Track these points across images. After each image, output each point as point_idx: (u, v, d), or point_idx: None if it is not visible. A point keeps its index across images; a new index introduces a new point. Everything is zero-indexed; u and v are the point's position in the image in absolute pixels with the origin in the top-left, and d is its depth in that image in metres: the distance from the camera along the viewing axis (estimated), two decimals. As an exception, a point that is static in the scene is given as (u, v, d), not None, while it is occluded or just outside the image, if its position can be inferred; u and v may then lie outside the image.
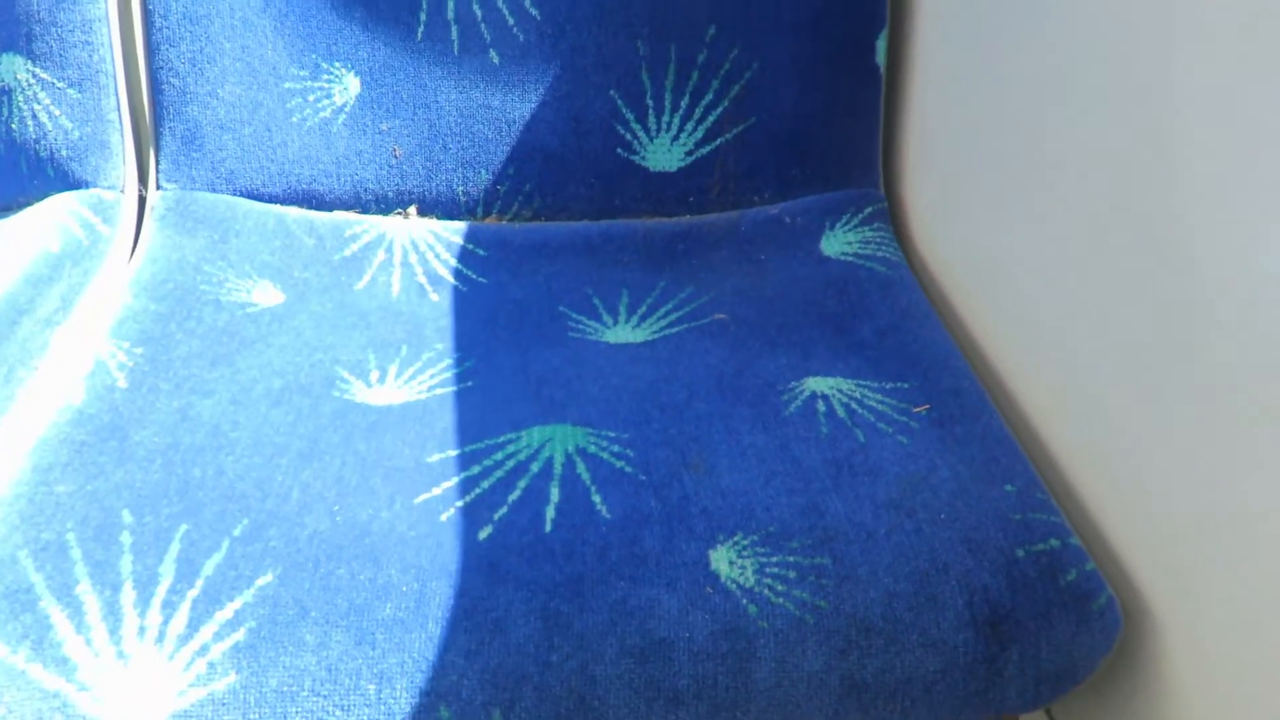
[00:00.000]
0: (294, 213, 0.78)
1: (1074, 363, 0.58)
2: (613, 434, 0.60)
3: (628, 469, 0.57)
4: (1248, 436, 0.44)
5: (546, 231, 0.81)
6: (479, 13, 0.78)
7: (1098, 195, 0.55)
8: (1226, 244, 0.45)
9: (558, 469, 0.56)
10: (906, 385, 0.64)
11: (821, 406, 0.62)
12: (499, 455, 0.58)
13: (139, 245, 0.73)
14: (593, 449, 0.58)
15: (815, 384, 0.64)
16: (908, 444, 0.59)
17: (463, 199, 0.81)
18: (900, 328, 0.69)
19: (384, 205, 0.80)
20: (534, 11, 0.79)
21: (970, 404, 0.62)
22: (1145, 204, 0.50)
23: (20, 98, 0.73)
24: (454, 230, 0.80)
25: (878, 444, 0.59)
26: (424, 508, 0.54)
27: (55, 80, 0.73)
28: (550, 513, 0.53)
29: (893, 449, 0.58)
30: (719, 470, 0.57)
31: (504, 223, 0.82)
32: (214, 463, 0.56)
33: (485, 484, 0.55)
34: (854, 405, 0.62)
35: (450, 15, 0.78)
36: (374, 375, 0.65)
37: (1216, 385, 0.46)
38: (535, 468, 0.57)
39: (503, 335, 0.70)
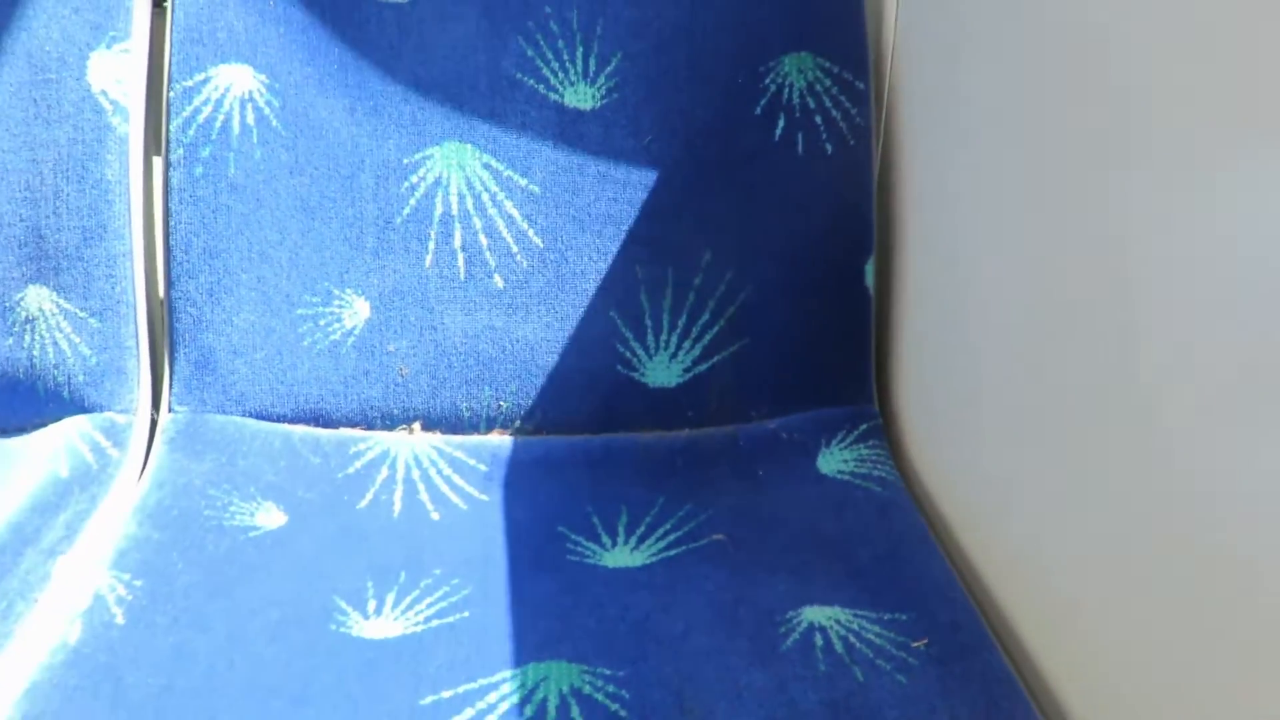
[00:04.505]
0: (300, 430, 0.80)
1: (1077, 594, 0.58)
2: (608, 671, 0.59)
3: (621, 712, 0.56)
4: (1272, 682, 0.44)
5: (548, 446, 0.83)
6: (484, 241, 0.82)
7: (1095, 415, 0.56)
8: (1236, 464, 0.46)
9: (551, 712, 0.56)
10: (904, 617, 0.64)
11: (819, 640, 0.62)
12: (492, 697, 0.57)
13: (147, 468, 0.74)
14: (587, 690, 0.58)
15: (813, 614, 0.64)
16: (906, 684, 0.58)
17: (467, 415, 0.83)
18: (897, 554, 0.69)
19: (389, 422, 0.82)
20: (537, 240, 0.83)
21: (969, 639, 0.61)
22: (1150, 424, 0.51)
23: (43, 326, 0.76)
24: (457, 445, 0.82)
25: (876, 684, 0.58)
26: (414, 759, 0.53)
27: (78, 310, 0.76)
28: (542, 764, 0.53)
29: (890, 689, 0.58)
30: (715, 715, 0.56)
31: (507, 437, 0.84)
32: (206, 708, 0.55)
33: (478, 731, 0.55)
34: (852, 639, 0.62)
35: (457, 244, 0.82)
36: (371, 605, 0.65)
37: (1235, 624, 0.46)
38: (529, 711, 0.56)
39: (501, 559, 0.70)
